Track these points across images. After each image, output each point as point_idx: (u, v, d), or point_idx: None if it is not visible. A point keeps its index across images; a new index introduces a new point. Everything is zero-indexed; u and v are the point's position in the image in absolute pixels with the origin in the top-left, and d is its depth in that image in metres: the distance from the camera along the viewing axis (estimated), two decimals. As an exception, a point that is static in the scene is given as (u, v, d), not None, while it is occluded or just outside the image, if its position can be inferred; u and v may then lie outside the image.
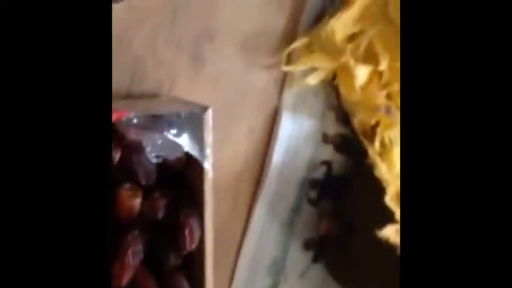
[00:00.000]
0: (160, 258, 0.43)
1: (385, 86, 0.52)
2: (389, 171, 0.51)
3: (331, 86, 0.53)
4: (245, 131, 0.50)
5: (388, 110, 0.50)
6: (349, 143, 0.54)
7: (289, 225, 0.52)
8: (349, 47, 0.50)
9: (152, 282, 0.42)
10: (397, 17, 0.50)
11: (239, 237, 0.51)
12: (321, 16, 0.51)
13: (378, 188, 0.49)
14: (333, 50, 0.49)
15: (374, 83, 0.52)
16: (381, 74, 0.52)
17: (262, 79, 0.50)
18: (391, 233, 0.47)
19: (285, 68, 0.51)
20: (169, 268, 0.43)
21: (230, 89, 0.50)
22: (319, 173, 0.53)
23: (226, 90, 0.50)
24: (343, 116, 0.54)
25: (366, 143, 0.52)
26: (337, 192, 0.53)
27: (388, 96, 0.52)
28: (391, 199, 0.48)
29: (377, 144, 0.51)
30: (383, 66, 0.50)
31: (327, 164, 0.54)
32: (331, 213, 0.53)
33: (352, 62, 0.50)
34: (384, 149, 0.52)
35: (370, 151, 0.51)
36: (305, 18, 0.51)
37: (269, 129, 0.51)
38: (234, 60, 0.49)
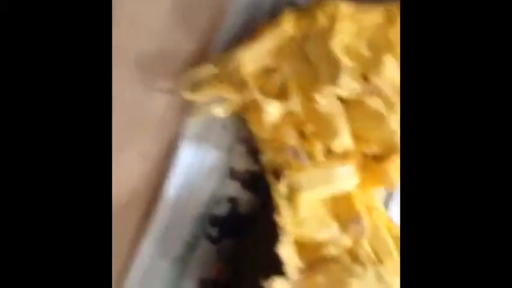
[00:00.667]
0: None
1: (297, 126, 0.48)
2: (292, 217, 0.47)
3: (241, 119, 0.49)
4: (135, 158, 0.47)
5: (295, 153, 0.46)
6: (258, 180, 0.50)
7: (182, 263, 0.49)
8: (259, 82, 0.46)
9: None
10: (315, 55, 0.45)
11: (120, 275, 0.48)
12: (236, 43, 0.47)
13: (276, 235, 0.45)
14: (239, 83, 0.45)
15: (286, 122, 0.48)
16: (294, 113, 0.47)
17: (160, 104, 0.46)
18: (276, 286, 0.44)
19: (187, 96, 0.47)
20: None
21: (122, 112, 0.46)
22: (223, 209, 0.50)
23: (117, 113, 0.45)
24: (253, 152, 0.50)
25: (273, 183, 0.48)
26: (241, 232, 0.50)
27: (302, 138, 0.48)
28: (284, 249, 0.44)
29: (282, 187, 0.47)
30: (294, 105, 0.46)
31: (232, 200, 0.50)
32: (230, 255, 0.49)
33: (260, 97, 0.45)
34: (291, 192, 0.48)
35: (274, 193, 0.47)
36: (217, 44, 0.47)
37: (166, 159, 0.48)
38: (128, 82, 0.45)
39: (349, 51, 0.44)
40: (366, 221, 0.49)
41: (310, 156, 0.47)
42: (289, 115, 0.47)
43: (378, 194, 0.52)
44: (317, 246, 0.49)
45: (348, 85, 0.43)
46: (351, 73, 0.44)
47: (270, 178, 0.48)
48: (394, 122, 0.46)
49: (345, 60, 0.44)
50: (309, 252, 0.49)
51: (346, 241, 0.49)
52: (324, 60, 0.44)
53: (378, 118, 0.46)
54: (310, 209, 0.48)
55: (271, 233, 0.45)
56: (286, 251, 0.44)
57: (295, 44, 0.45)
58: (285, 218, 0.45)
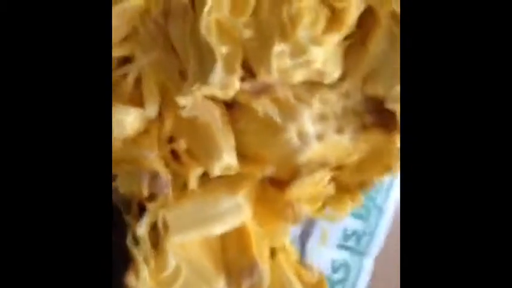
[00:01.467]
0: None
1: (165, 142, 0.35)
2: (156, 274, 0.33)
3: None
4: None
5: (153, 180, 0.32)
6: (116, 219, 0.36)
7: None
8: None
9: None
10: (179, 40, 0.32)
11: None
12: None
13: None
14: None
15: (150, 136, 0.34)
16: (157, 124, 0.34)
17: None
18: None
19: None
20: None
21: None
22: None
23: None
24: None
25: (131, 223, 0.35)
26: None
27: (172, 157, 0.35)
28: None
29: (142, 228, 0.33)
30: (149, 112, 0.33)
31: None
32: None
33: (105, 103, 0.32)
34: (156, 236, 0.35)
35: (129, 240, 0.33)
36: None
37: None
38: None
39: (225, 33, 0.31)
40: (264, 270, 0.36)
41: (183, 183, 0.35)
42: (152, 127, 0.34)
43: (286, 229, 0.40)
44: (197, 308, 0.35)
45: (224, 82, 0.31)
46: (228, 65, 0.31)
47: (127, 216, 0.35)
48: (293, 133, 0.34)
49: (219, 47, 0.31)
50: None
51: (238, 299, 0.36)
52: (191, 46, 0.31)
53: (272, 128, 0.33)
54: (184, 258, 0.34)
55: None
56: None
57: (152, 24, 0.33)
58: (142, 276, 0.32)
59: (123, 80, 0.33)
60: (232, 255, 0.36)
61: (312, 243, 0.44)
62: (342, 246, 0.47)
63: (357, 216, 0.48)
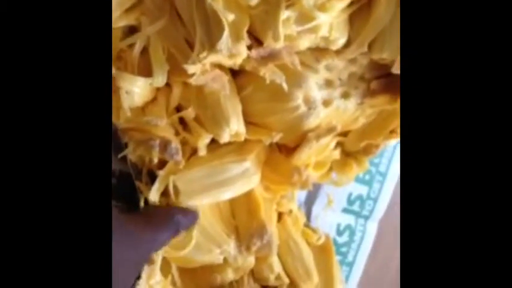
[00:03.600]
0: None
1: (173, 111, 0.35)
2: (168, 237, 0.34)
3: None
4: None
5: (164, 147, 0.33)
6: (128, 186, 0.37)
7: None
8: (113, 50, 0.33)
9: None
10: (185, 9, 0.32)
11: None
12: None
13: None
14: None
15: (159, 105, 0.35)
16: (166, 93, 0.35)
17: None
18: None
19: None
20: None
21: None
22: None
23: None
24: (120, 147, 0.37)
25: (142, 189, 0.35)
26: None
27: (181, 125, 0.35)
28: (146, 285, 0.32)
29: (154, 194, 0.34)
30: (157, 81, 0.33)
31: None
32: None
33: (114, 72, 0.32)
34: (167, 202, 0.35)
35: (142, 204, 0.34)
36: None
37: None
38: None
39: (232, 1, 0.31)
40: (273, 233, 0.37)
41: (192, 150, 0.35)
42: (161, 95, 0.35)
43: (293, 194, 0.41)
44: (208, 272, 0.36)
45: (231, 50, 0.31)
46: (235, 32, 0.31)
47: (139, 183, 0.36)
48: (300, 99, 0.34)
49: (226, 14, 0.31)
50: (197, 282, 0.37)
51: (248, 261, 0.37)
52: (198, 14, 0.31)
53: (279, 96, 0.34)
54: (195, 222, 0.36)
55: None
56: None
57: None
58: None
59: (130, 49, 0.33)
60: (242, 219, 0.37)
61: (318, 208, 0.45)
62: (346, 210, 0.48)
63: (361, 181, 0.48)
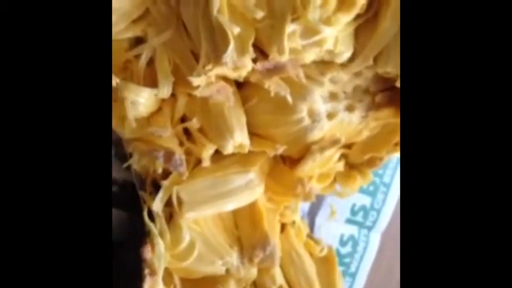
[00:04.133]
0: None
1: (178, 121, 0.35)
2: (171, 247, 0.34)
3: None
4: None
5: (168, 158, 0.33)
6: (131, 195, 0.37)
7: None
8: (118, 59, 0.33)
9: None
10: (191, 21, 0.32)
11: None
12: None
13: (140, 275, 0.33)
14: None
15: (163, 116, 0.35)
16: (171, 104, 0.35)
17: None
18: None
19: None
20: None
21: None
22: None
23: None
24: (124, 157, 0.37)
25: (146, 199, 0.35)
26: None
27: (185, 136, 0.35)
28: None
29: (157, 204, 0.34)
30: (163, 92, 0.33)
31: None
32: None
33: (120, 83, 0.32)
34: (170, 212, 0.36)
35: (145, 214, 0.34)
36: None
37: None
38: None
39: (238, 14, 0.31)
40: (276, 244, 0.37)
41: (196, 161, 0.35)
42: (165, 106, 0.35)
43: (296, 205, 0.41)
44: (211, 283, 0.36)
45: (237, 62, 0.31)
46: (240, 45, 0.31)
47: (142, 192, 0.36)
48: (304, 112, 0.34)
49: (232, 27, 0.31)
50: (199, 292, 0.37)
51: (250, 273, 0.37)
52: (204, 27, 0.31)
53: (283, 108, 0.33)
54: (198, 233, 0.36)
55: (133, 271, 0.32)
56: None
57: (164, 5, 0.32)
58: (159, 250, 0.33)
59: (136, 60, 0.34)
60: (245, 230, 0.37)
61: (321, 218, 0.45)
62: (350, 221, 0.48)
63: (365, 192, 0.48)
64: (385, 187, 0.48)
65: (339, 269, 0.42)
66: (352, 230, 0.48)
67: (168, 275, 0.34)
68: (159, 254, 0.33)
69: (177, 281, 0.35)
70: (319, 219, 0.45)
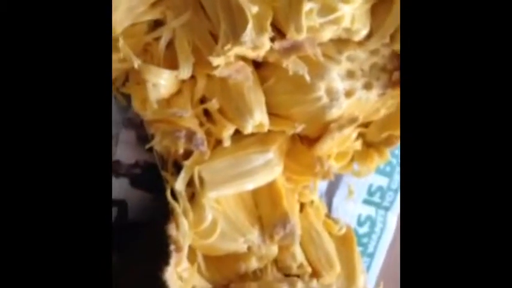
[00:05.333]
0: None
1: (198, 102, 0.36)
2: (194, 225, 0.35)
3: (126, 95, 0.37)
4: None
5: (190, 138, 0.34)
6: (153, 176, 0.38)
7: None
8: (139, 42, 0.34)
9: None
10: (208, 4, 0.33)
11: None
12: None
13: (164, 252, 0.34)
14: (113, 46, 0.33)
15: (184, 97, 0.35)
16: (191, 85, 0.35)
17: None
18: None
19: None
20: None
21: None
22: (108, 216, 0.38)
23: None
24: (145, 139, 0.38)
25: (168, 179, 0.36)
26: (129, 246, 0.38)
27: (205, 117, 0.36)
28: (170, 275, 0.33)
29: (180, 184, 0.35)
30: (183, 74, 0.34)
31: (119, 204, 0.38)
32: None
33: (141, 65, 0.33)
34: (192, 191, 0.36)
35: (168, 193, 0.35)
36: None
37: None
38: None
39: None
40: (296, 223, 0.38)
41: (216, 141, 0.36)
42: (185, 87, 0.36)
43: (315, 185, 0.41)
44: (233, 260, 0.37)
45: (255, 42, 0.31)
46: (258, 25, 0.31)
47: (164, 173, 0.36)
48: (322, 90, 0.34)
49: (250, 7, 0.31)
50: (222, 270, 0.38)
51: (271, 250, 0.38)
52: (222, 7, 0.32)
53: (301, 87, 0.34)
54: (219, 212, 0.36)
55: (159, 249, 0.33)
56: (173, 279, 0.32)
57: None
58: (183, 228, 0.34)
59: (156, 43, 0.34)
60: (265, 209, 0.37)
61: (339, 198, 0.46)
62: (367, 201, 0.48)
63: (381, 172, 0.49)
64: (402, 168, 0.49)
65: (357, 248, 0.42)
66: (370, 210, 0.48)
67: (191, 252, 0.35)
68: (183, 231, 0.34)
69: (200, 258, 0.36)
70: (336, 200, 0.46)
